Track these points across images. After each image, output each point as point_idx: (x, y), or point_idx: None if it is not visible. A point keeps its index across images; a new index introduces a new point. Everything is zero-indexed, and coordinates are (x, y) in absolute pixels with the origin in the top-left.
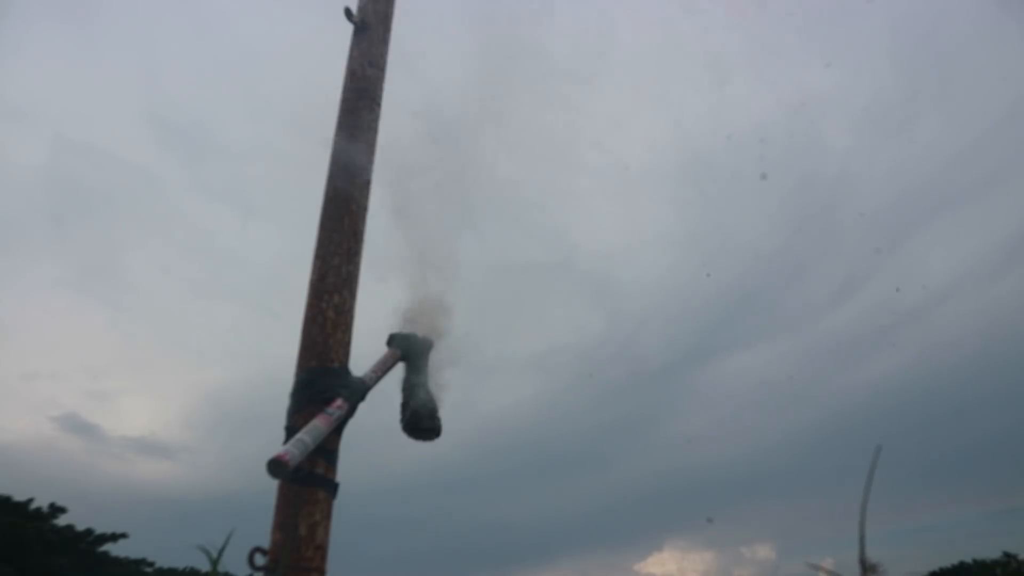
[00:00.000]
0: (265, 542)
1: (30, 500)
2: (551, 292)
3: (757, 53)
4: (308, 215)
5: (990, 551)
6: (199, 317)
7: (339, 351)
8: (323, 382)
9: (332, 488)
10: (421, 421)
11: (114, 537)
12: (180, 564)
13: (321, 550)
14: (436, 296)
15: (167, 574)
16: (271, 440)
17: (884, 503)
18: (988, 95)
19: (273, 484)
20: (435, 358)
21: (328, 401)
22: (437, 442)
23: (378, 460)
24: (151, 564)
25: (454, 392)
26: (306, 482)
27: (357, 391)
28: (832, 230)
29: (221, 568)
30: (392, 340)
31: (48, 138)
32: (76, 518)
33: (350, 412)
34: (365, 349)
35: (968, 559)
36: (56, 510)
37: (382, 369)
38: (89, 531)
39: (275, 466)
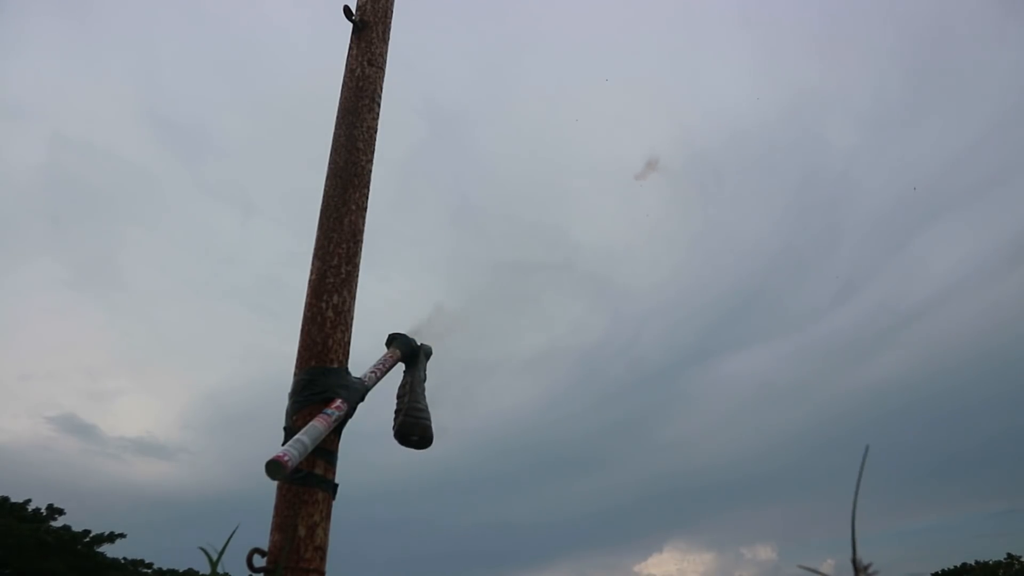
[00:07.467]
0: (264, 543)
1: (27, 501)
2: (553, 292)
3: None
4: (307, 214)
5: (993, 552)
6: (198, 317)
7: (338, 351)
8: (322, 382)
9: (331, 489)
10: (412, 429)
11: (111, 537)
12: (179, 565)
13: (320, 551)
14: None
15: (166, 575)
16: (269, 441)
17: (887, 504)
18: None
19: (272, 485)
20: (432, 364)
21: (327, 401)
22: (437, 444)
23: (378, 462)
24: (149, 565)
25: (453, 394)
26: (305, 483)
27: (356, 392)
28: (834, 230)
29: (220, 570)
30: (392, 341)
31: (46, 136)
32: (73, 519)
33: (349, 413)
34: (365, 349)
35: (971, 560)
36: (54, 511)
37: (382, 370)
38: (86, 532)
39: (273, 467)
